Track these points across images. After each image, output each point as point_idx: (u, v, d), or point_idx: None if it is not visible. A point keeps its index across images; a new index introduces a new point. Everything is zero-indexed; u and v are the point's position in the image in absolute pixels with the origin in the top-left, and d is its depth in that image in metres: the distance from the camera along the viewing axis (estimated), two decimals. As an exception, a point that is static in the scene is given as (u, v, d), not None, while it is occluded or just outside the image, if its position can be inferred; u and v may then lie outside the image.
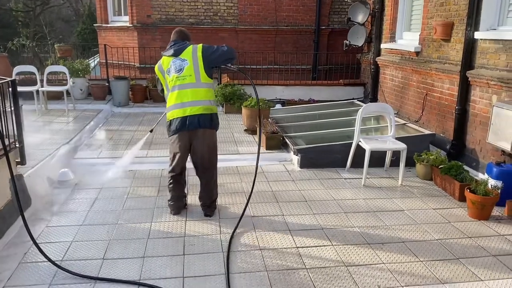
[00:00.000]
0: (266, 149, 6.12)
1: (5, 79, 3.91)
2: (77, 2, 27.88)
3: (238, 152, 6.10)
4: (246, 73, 4.36)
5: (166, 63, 3.93)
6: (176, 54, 3.89)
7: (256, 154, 4.15)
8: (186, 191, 4.30)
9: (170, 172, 4.09)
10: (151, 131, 4.89)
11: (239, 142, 6.64)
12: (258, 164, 4.16)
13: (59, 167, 5.14)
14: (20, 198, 3.69)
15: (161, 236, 3.74)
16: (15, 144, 4.02)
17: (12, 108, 3.96)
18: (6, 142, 3.65)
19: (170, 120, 3.91)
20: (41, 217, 4.07)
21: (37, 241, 3.30)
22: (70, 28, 27.20)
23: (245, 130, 7.32)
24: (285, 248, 3.57)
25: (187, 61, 3.84)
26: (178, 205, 4.15)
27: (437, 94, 6.34)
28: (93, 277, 3.10)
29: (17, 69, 8.16)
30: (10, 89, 3.97)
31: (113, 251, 3.48)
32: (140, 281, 3.06)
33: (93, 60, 13.69)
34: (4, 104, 3.81)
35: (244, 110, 7.36)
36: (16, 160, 4.14)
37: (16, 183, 3.82)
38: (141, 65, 10.62)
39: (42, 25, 21.76)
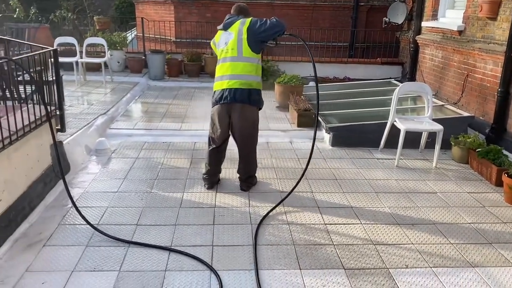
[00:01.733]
0: (298, 126, 6.10)
1: (48, 48, 4.04)
2: (116, -26, 28.18)
3: (269, 128, 6.10)
4: (307, 46, 4.20)
5: (218, 36, 4.03)
6: (225, 27, 3.95)
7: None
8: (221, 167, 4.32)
9: (210, 144, 4.11)
10: None
11: (270, 118, 6.63)
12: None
13: (96, 136, 5.32)
14: (62, 163, 3.87)
15: (192, 206, 3.84)
16: (56, 112, 4.19)
17: (54, 77, 4.10)
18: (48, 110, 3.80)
19: (214, 92, 3.99)
20: (78, 183, 4.25)
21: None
22: (109, 1, 27.60)
23: (277, 106, 7.30)
24: (313, 224, 3.59)
25: (233, 34, 3.87)
26: (213, 180, 4.20)
27: (478, 76, 6.09)
28: (127, 240, 3.23)
29: (58, 40, 8.39)
30: (52, 59, 4.10)
31: (147, 217, 3.60)
32: (172, 247, 3.16)
33: (130, 33, 13.87)
34: (47, 72, 3.95)
35: (277, 87, 7.32)
36: (56, 127, 4.31)
37: (60, 148, 4.00)
38: (177, 39, 10.70)
39: (82, -3, 22.12)
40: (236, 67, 3.84)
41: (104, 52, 8.81)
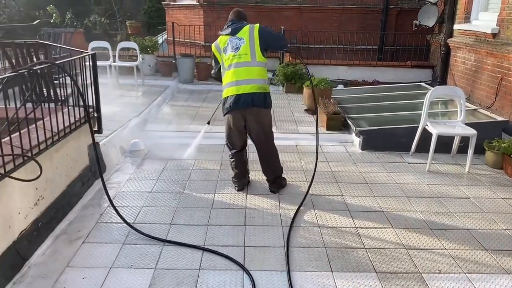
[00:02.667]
0: (327, 130, 6.11)
1: (87, 52, 4.20)
2: (143, -20, 28.78)
3: (297, 131, 6.14)
4: (299, 53, 4.42)
5: (223, 41, 3.98)
6: (233, 33, 3.93)
7: (314, 134, 4.19)
8: (248, 168, 4.39)
9: (230, 150, 4.18)
10: (208, 123, 4.96)
11: (299, 121, 6.66)
12: (320, 144, 4.20)
13: (130, 138, 5.47)
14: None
15: (224, 207, 3.91)
16: (93, 114, 4.34)
17: (92, 81, 4.26)
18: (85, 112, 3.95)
19: (225, 98, 3.97)
20: (114, 183, 4.39)
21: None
22: (137, 6, 28.21)
23: (305, 110, 7.32)
24: (343, 227, 3.60)
25: (244, 39, 3.87)
26: (242, 182, 4.26)
27: (514, 79, 5.95)
28: (162, 239, 3.33)
29: (92, 44, 8.66)
30: (90, 62, 4.26)
31: (180, 217, 3.69)
32: (205, 247, 3.24)
33: (160, 37, 14.17)
34: (85, 76, 4.11)
35: (305, 90, 7.35)
36: (94, 129, 4.46)
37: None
38: (206, 43, 10.86)
39: (112, 2, 22.71)
40: (250, 72, 3.86)
41: (136, 56, 9.03)
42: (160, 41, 13.50)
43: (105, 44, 8.77)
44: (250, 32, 3.88)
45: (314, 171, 4.23)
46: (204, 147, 5.45)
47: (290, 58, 9.44)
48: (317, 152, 4.26)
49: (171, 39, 10.48)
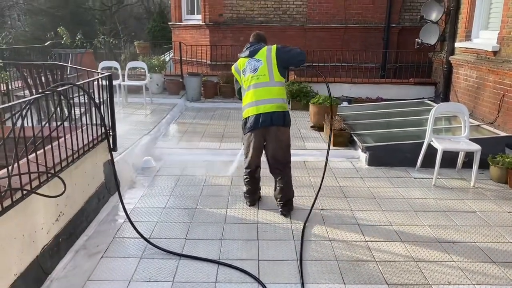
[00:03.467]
0: (333, 146, 6.22)
1: (103, 73, 4.37)
2: (148, 0, 29.38)
3: (305, 148, 6.27)
4: (318, 70, 4.53)
5: (242, 63, 4.15)
6: (251, 55, 4.11)
7: (323, 150, 4.28)
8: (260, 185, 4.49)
9: (245, 168, 4.27)
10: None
11: (306, 138, 6.80)
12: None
13: (142, 155, 5.61)
14: (112, 181, 4.13)
15: (236, 221, 4.02)
16: (109, 132, 4.48)
17: (108, 100, 4.41)
18: (103, 130, 4.11)
19: (245, 118, 4.10)
20: (128, 199, 4.50)
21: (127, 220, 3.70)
22: (141, 25, 28.73)
23: (311, 126, 7.47)
24: (354, 241, 3.70)
25: (262, 61, 4.03)
26: (254, 198, 4.37)
27: (515, 95, 6.10)
28: (179, 253, 3.43)
29: (102, 64, 8.88)
30: (107, 82, 4.42)
31: (194, 232, 3.80)
32: (220, 260, 3.34)
33: (168, 55, 14.43)
34: (102, 95, 4.26)
35: (311, 107, 7.50)
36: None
37: (109, 167, 4.28)
38: (212, 62, 11.09)
39: (117, 22, 23.16)
40: (270, 92, 4.00)
41: (144, 75, 9.24)
42: (167, 59, 13.78)
43: (114, 64, 8.98)
44: (267, 54, 4.04)
45: (320, 185, 4.30)
46: (215, 163, 5.58)
47: (295, 77, 9.64)
48: (325, 167, 4.35)
49: (178, 58, 10.71)
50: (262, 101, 4.00)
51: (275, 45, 4.13)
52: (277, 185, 4.21)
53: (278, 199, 4.23)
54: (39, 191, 2.95)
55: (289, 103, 8.88)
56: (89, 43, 10.56)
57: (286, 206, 4.22)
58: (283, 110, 4.04)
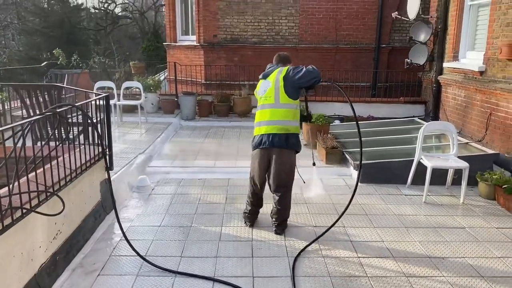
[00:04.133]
0: (326, 163, 6.35)
1: (100, 94, 4.48)
2: (142, 20, 29.78)
3: (299, 165, 6.33)
4: (341, 88, 4.49)
5: (258, 85, 4.31)
6: (265, 76, 4.26)
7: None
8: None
9: (251, 185, 4.31)
10: (313, 164, 4.87)
11: (299, 156, 6.87)
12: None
13: (137, 174, 5.68)
14: (109, 200, 4.20)
15: (231, 239, 4.08)
16: (106, 151, 4.56)
17: (105, 120, 4.51)
18: (99, 149, 4.19)
19: (254, 137, 4.24)
20: (124, 218, 4.55)
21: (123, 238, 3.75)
22: (136, 45, 29.03)
23: (305, 144, 7.58)
24: (346, 257, 3.78)
25: (270, 83, 4.14)
26: (253, 218, 4.39)
27: (502, 114, 6.28)
28: (174, 271, 3.49)
29: (98, 84, 9.00)
30: (104, 102, 4.52)
31: (189, 250, 3.86)
32: (215, 277, 3.40)
33: (163, 74, 14.60)
34: (99, 115, 4.37)
35: (304, 126, 7.64)
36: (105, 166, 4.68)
37: (106, 186, 4.36)
38: (207, 82, 11.26)
39: (111, 42, 23.41)
40: (274, 114, 4.09)
41: (139, 95, 9.37)
42: (161, 79, 13.95)
43: (110, 83, 9.11)
44: (276, 76, 4.13)
45: (343, 210, 4.26)
46: (210, 181, 5.66)
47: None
48: (353, 195, 4.29)
49: (173, 77, 10.87)
50: (266, 122, 4.11)
51: (287, 66, 4.21)
52: (274, 205, 4.25)
53: (273, 219, 4.28)
54: (38, 209, 3.02)
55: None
56: (85, 63, 10.70)
57: (281, 226, 4.26)
58: (286, 132, 4.07)
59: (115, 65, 13.51)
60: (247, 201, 4.40)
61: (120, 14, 28.83)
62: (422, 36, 8.98)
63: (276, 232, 4.22)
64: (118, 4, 28.36)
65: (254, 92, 4.46)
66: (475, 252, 3.88)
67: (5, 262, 2.73)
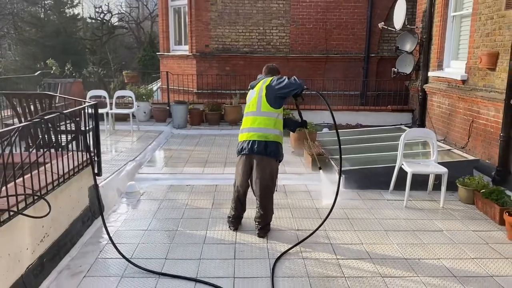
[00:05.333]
0: (312, 170, 6.49)
1: (89, 102, 4.62)
2: (138, 30, 30.06)
3: (285, 172, 6.50)
4: (324, 97, 4.68)
5: (247, 95, 4.51)
6: (252, 87, 4.48)
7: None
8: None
9: (234, 191, 4.46)
10: (320, 168, 5.05)
11: (286, 162, 7.00)
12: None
13: (126, 180, 5.80)
14: (96, 205, 4.33)
15: (215, 242, 4.21)
16: (94, 158, 4.70)
17: (94, 127, 4.65)
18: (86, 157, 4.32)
19: (239, 142, 4.41)
20: (112, 222, 4.67)
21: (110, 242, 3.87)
22: (132, 54, 29.27)
23: (292, 152, 7.74)
24: (325, 258, 3.91)
25: (255, 92, 4.36)
26: (237, 222, 4.51)
27: (482, 121, 6.46)
28: (158, 272, 3.60)
29: (91, 93, 9.13)
30: (93, 111, 4.67)
31: (174, 252, 3.98)
32: (197, 278, 3.52)
33: (155, 84, 14.77)
34: (88, 123, 4.50)
35: (291, 134, 7.79)
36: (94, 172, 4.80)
37: (94, 191, 4.48)
38: (199, 91, 11.42)
39: (107, 52, 23.61)
40: (254, 121, 4.26)
41: (132, 103, 9.51)
42: (155, 88, 14.12)
43: (102, 92, 9.25)
44: (261, 86, 4.33)
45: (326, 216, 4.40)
46: (197, 188, 5.79)
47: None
48: (335, 200, 4.42)
49: (165, 87, 11.03)
50: (247, 129, 4.30)
51: (271, 77, 4.37)
52: (257, 210, 4.39)
53: (256, 222, 4.42)
54: (25, 212, 3.14)
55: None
56: (79, 72, 10.86)
57: (264, 229, 4.40)
58: (265, 139, 4.21)
59: (112, 74, 13.68)
60: (231, 206, 4.54)
61: (116, 24, 29.12)
62: (408, 46, 9.21)
63: (259, 235, 4.35)
64: (114, 14, 28.70)
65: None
66: (450, 253, 4.02)
67: (-8, 262, 2.85)
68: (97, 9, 26.01)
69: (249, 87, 4.54)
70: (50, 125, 4.19)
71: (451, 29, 8.00)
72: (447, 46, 8.10)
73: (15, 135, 3.11)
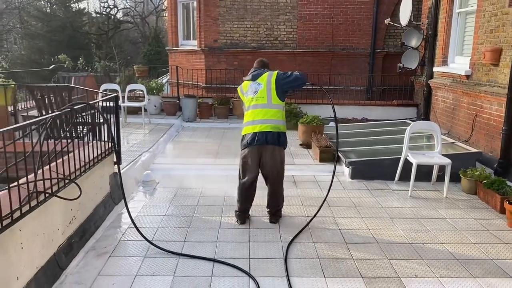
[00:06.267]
0: (320, 162, 6.73)
1: (111, 94, 4.87)
2: (144, 25, 30.24)
3: (294, 163, 6.75)
4: (325, 90, 4.96)
5: (245, 86, 4.62)
6: (253, 78, 4.58)
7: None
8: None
9: (241, 184, 4.55)
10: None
11: (295, 154, 7.29)
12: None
13: (142, 170, 6.05)
14: (117, 192, 4.58)
15: (230, 227, 4.46)
16: (114, 147, 4.94)
17: (115, 119, 4.89)
18: (108, 146, 4.58)
19: (243, 135, 4.53)
20: (131, 208, 4.90)
21: (132, 225, 4.13)
22: (137, 49, 29.46)
23: (300, 144, 7.97)
24: (335, 242, 4.15)
25: (262, 84, 4.49)
26: (244, 216, 4.63)
27: (486, 115, 6.66)
28: (178, 253, 3.86)
29: (104, 86, 9.39)
30: (114, 103, 4.91)
31: (192, 236, 4.23)
32: (215, 259, 3.77)
33: (165, 77, 14.99)
34: (108, 114, 4.74)
35: (300, 126, 8.03)
36: (114, 161, 5.06)
37: (114, 179, 4.74)
38: (207, 85, 11.65)
39: (113, 46, 23.82)
40: (267, 113, 4.42)
41: (143, 97, 9.76)
42: (163, 82, 14.35)
43: (115, 86, 9.50)
44: (268, 78, 4.49)
45: (325, 196, 4.73)
46: (210, 177, 6.04)
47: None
48: (331, 183, 4.75)
49: (174, 81, 11.26)
50: (259, 121, 4.41)
51: (277, 71, 4.57)
52: (269, 197, 4.61)
53: (268, 209, 4.66)
54: (58, 195, 3.40)
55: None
56: (90, 66, 11.11)
57: (275, 215, 4.63)
58: (278, 130, 4.40)
59: (117, 69, 13.91)
60: (237, 198, 4.61)
61: (121, 19, 29.29)
62: (414, 42, 9.39)
63: (271, 221, 4.59)
64: (120, 9, 28.86)
65: (238, 91, 4.72)
66: (452, 239, 4.25)
67: (31, 239, 3.10)
68: (102, 4, 26.21)
69: (248, 78, 4.59)
70: (77, 115, 4.43)
71: (456, 26, 8.18)
72: (452, 42, 8.28)
73: (48, 124, 3.35)
